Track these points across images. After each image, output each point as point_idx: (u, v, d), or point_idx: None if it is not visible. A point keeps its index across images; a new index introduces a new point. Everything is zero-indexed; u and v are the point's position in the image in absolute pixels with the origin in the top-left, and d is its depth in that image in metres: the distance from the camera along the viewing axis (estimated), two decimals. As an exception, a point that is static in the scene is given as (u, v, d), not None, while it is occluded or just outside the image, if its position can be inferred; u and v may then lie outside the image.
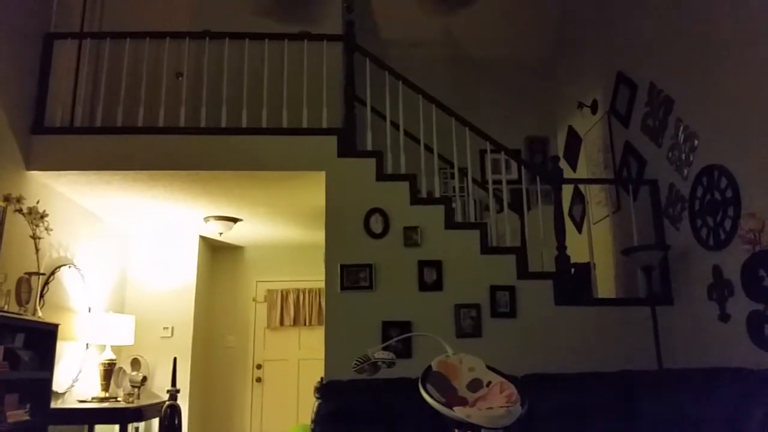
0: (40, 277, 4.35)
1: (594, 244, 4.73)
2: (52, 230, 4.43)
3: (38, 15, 4.61)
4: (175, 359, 5.68)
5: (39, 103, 4.53)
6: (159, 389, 5.83)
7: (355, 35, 4.90)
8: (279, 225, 6.08)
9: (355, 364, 2.47)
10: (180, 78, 4.84)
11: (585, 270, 4.64)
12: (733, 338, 3.56)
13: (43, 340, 4.06)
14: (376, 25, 6.32)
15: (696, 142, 3.97)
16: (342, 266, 4.33)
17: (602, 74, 5.46)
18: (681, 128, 4.13)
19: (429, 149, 4.80)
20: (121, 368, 5.58)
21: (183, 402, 5.77)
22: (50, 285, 4.60)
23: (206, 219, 5.69)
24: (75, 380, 4.97)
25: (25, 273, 4.17)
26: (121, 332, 5.27)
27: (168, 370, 5.68)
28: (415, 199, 4.52)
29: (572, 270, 4.52)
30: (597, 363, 3.89)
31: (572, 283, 4.42)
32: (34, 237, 4.21)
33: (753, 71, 3.45)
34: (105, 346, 5.26)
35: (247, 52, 4.71)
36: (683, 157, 4.11)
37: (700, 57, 3.96)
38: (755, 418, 2.80)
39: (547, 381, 3.69)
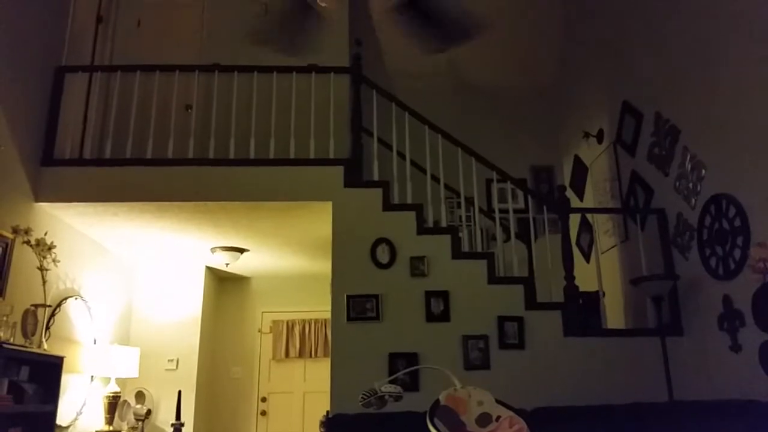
0: (47, 308, 4.34)
1: (602, 274, 4.69)
2: (59, 262, 4.44)
3: (50, 48, 4.69)
4: (179, 392, 5.63)
5: (49, 136, 4.58)
6: (163, 422, 5.76)
7: (362, 67, 4.96)
8: (285, 255, 6.08)
9: (362, 398, 2.43)
10: (189, 110, 4.90)
11: (594, 299, 4.59)
12: (745, 369, 3.50)
13: (48, 372, 4.05)
14: (382, 56, 6.39)
15: (703, 171, 3.96)
16: (348, 296, 4.31)
17: (607, 103, 5.48)
18: (688, 157, 4.13)
19: (435, 179, 4.81)
20: (125, 401, 5.53)
21: (187, 435, 5.71)
22: (56, 317, 4.59)
23: (213, 250, 5.69)
24: (79, 413, 4.92)
25: (32, 305, 4.17)
26: (125, 364, 5.23)
27: (172, 403, 5.62)
28: (422, 229, 4.51)
29: (581, 300, 4.48)
30: (607, 395, 3.82)
31: (581, 314, 4.38)
32: (42, 269, 4.22)
33: (760, 100, 3.46)
34: (110, 378, 5.22)
35: (256, 85, 4.77)
36: (691, 187, 4.10)
37: (705, 86, 3.98)
38: (771, 453, 2.74)
39: (558, 414, 3.62)
